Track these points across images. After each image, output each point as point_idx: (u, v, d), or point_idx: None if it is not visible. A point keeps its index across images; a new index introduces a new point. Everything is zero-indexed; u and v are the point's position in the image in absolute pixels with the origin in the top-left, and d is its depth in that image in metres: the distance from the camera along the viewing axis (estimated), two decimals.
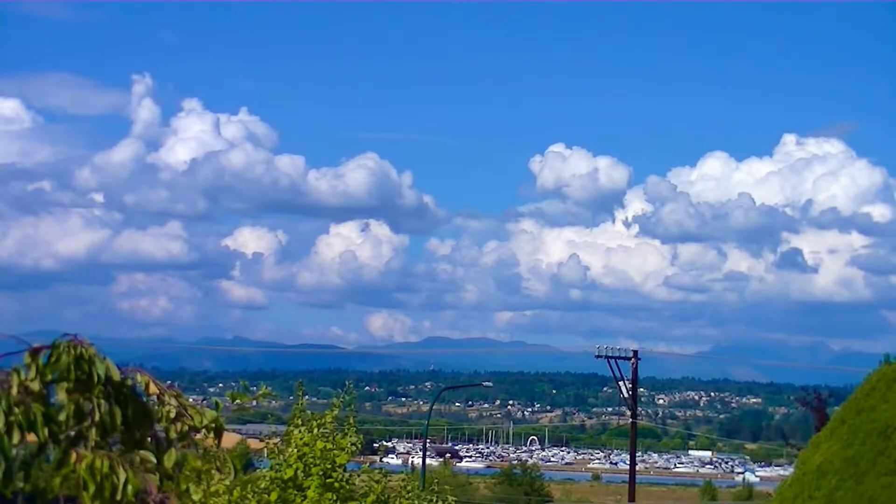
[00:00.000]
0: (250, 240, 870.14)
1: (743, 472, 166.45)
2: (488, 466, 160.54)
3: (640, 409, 65.31)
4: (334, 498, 14.02)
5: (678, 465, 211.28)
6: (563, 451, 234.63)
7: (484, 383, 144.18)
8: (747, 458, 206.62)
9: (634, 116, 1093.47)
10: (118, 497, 5.21)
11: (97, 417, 5.38)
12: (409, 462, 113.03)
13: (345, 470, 14.51)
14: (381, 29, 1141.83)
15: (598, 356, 57.83)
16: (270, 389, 7.43)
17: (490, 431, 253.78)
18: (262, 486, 14.03)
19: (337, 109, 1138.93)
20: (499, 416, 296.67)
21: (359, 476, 14.97)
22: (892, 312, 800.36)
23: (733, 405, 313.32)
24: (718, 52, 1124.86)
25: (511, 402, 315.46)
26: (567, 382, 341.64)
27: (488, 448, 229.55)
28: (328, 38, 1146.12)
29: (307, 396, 15.51)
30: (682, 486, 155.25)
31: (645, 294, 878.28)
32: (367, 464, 15.64)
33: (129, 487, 5.22)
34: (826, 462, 18.93)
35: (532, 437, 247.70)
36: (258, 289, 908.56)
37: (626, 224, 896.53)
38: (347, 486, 14.31)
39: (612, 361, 57.45)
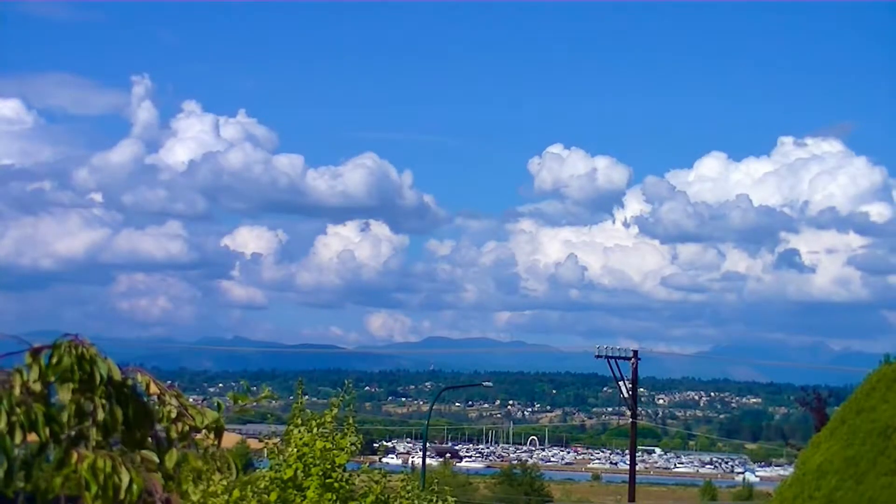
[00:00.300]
0: (250, 240, 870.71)
1: (743, 472, 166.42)
2: (488, 466, 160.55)
3: (640, 409, 65.31)
4: (334, 498, 14.02)
5: (678, 465, 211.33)
6: (563, 451, 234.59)
7: (484, 383, 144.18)
8: (747, 457, 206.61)
9: (634, 117, 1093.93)
10: (121, 497, 5.22)
11: (98, 417, 5.39)
12: (409, 462, 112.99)
13: (344, 470, 14.50)
14: (380, 29, 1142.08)
15: (598, 356, 57.83)
16: (272, 391, 7.43)
17: (490, 431, 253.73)
18: (262, 486, 14.03)
19: (336, 110, 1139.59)
20: (499, 416, 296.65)
21: (358, 476, 14.97)
22: (892, 312, 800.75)
23: (733, 405, 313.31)
24: (716, 52, 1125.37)
25: (511, 402, 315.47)
26: (567, 382, 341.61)
27: (488, 448, 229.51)
28: (328, 39, 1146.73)
29: (307, 396, 15.51)
30: (682, 486, 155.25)
31: (644, 294, 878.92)
32: (367, 464, 15.61)
33: (135, 487, 5.22)
34: (826, 462, 18.93)
35: (532, 437, 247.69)
36: (258, 289, 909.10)
37: (626, 224, 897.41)
38: (347, 486, 14.31)
39: (612, 361, 57.45)
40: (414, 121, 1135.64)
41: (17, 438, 5.13)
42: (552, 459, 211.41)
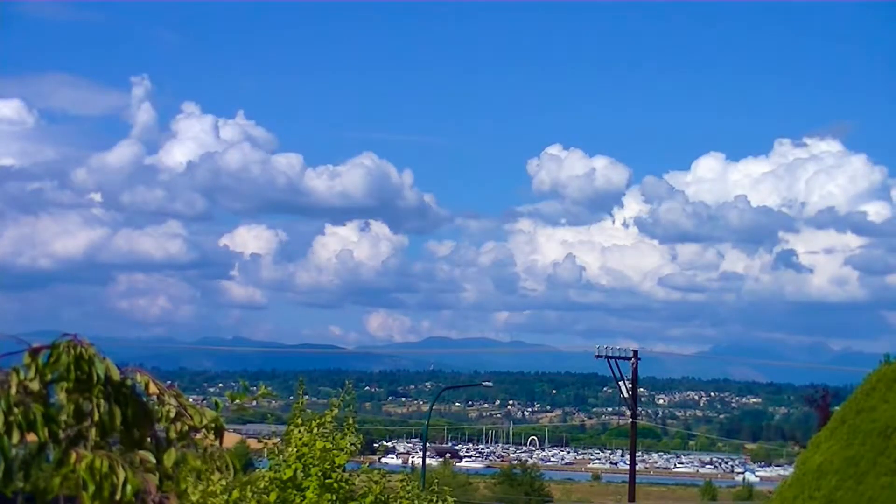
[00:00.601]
0: (250, 240, 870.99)
1: (743, 472, 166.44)
2: (488, 466, 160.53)
3: (640, 409, 65.29)
4: (333, 498, 14.00)
5: (678, 465, 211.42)
6: (563, 451, 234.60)
7: (484, 383, 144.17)
8: (747, 457, 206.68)
9: (633, 117, 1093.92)
10: (117, 497, 5.21)
11: (97, 417, 5.38)
12: (409, 462, 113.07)
13: (344, 470, 14.48)
14: (379, 30, 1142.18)
15: (598, 356, 57.81)
16: (270, 389, 7.43)
17: (490, 431, 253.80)
18: (262, 486, 14.01)
19: (335, 111, 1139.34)
20: (499, 416, 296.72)
21: (358, 476, 14.95)
22: (892, 312, 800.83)
23: (733, 405, 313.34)
24: (715, 52, 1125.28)
25: (511, 402, 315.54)
26: (567, 382, 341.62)
27: (488, 448, 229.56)
28: (327, 40, 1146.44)
29: (307, 396, 15.49)
30: (682, 486, 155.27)
31: (644, 294, 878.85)
32: (367, 464, 15.59)
33: (129, 487, 5.22)
34: (826, 462, 18.92)
35: (532, 437, 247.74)
36: (258, 289, 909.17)
37: (625, 224, 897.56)
38: (347, 487, 14.29)
39: (612, 361, 57.43)
40: (413, 122, 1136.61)
41: (16, 438, 5.12)
42: (552, 459, 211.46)
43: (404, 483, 16.00)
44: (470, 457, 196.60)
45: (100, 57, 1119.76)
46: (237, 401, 6.35)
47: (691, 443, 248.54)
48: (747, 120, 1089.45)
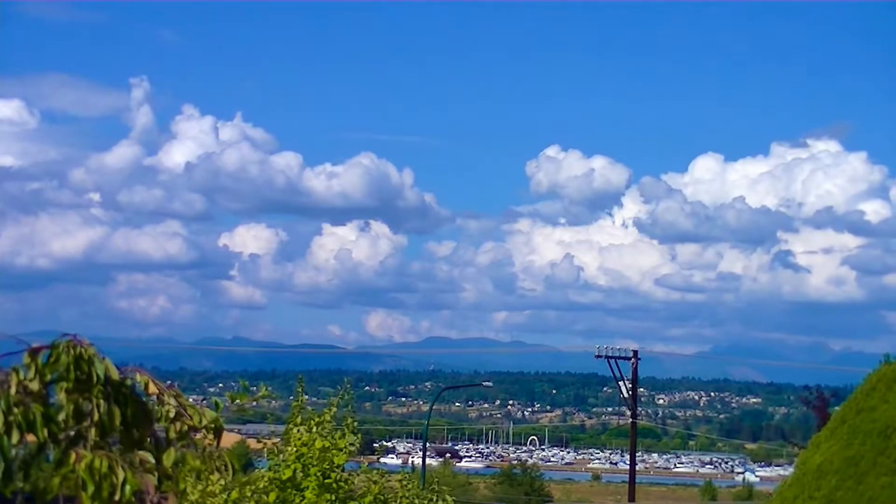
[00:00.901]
0: (249, 240, 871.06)
1: (743, 472, 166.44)
2: (488, 466, 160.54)
3: (640, 409, 65.30)
4: (333, 498, 13.99)
5: (678, 465, 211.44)
6: (563, 451, 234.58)
7: (484, 383, 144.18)
8: (747, 457, 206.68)
9: (631, 118, 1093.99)
10: (117, 497, 5.21)
11: (96, 417, 5.38)
12: (410, 462, 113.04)
13: (343, 470, 14.46)
14: (378, 31, 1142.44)
15: (598, 356, 57.82)
16: (270, 390, 7.43)
17: (490, 431, 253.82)
18: (261, 486, 14.00)
19: (334, 112, 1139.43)
20: (499, 416, 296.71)
21: (357, 476, 14.93)
22: (891, 312, 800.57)
23: (733, 405, 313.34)
24: (714, 52, 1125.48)
25: (511, 402, 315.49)
26: (567, 382, 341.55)
27: (488, 448, 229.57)
28: (326, 41, 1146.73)
29: (307, 396, 15.47)
30: (682, 486, 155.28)
31: (643, 294, 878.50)
32: (366, 464, 15.55)
33: (128, 487, 5.22)
34: (826, 462, 18.92)
35: (532, 437, 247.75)
36: (257, 289, 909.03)
37: (624, 225, 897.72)
38: (346, 487, 14.28)
39: (612, 361, 57.44)
40: (412, 122, 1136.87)
41: (15, 438, 5.13)
42: (552, 459, 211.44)
43: (403, 483, 15.98)
44: (470, 457, 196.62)
45: (100, 57, 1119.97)
46: (237, 401, 6.35)
47: (691, 443, 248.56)
48: (746, 120, 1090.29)
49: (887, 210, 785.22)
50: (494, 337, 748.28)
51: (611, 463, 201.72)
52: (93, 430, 5.37)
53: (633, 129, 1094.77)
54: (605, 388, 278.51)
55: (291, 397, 15.33)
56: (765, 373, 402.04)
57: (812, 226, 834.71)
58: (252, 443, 17.25)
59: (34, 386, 5.30)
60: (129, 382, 5.59)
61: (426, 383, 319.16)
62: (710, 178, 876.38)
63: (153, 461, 5.53)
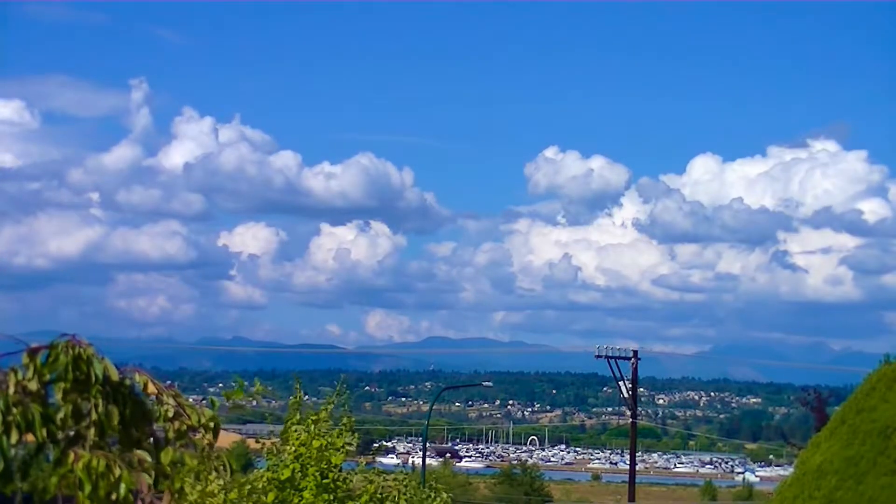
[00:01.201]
0: (249, 240, 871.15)
1: (743, 472, 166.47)
2: (488, 466, 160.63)
3: (640, 409, 65.30)
4: (331, 498, 13.99)
5: (678, 465, 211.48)
6: (563, 451, 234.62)
7: (484, 383, 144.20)
8: (747, 457, 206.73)
9: (631, 118, 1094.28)
10: (113, 496, 5.22)
11: (95, 417, 5.38)
12: (410, 462, 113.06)
13: (341, 470, 14.46)
14: (377, 32, 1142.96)
15: (598, 356, 57.84)
16: (267, 387, 7.43)
17: (490, 431, 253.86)
18: (259, 486, 13.99)
19: (335, 112, 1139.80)
20: (499, 416, 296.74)
21: (355, 475, 14.93)
22: (891, 312, 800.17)
23: (733, 405, 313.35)
24: (713, 52, 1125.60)
25: (511, 402, 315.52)
26: (567, 382, 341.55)
27: (488, 448, 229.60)
28: (325, 42, 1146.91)
29: (307, 396, 15.47)
30: (682, 486, 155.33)
31: (643, 294, 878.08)
32: (364, 463, 15.54)
33: (122, 485, 5.22)
34: (826, 462, 18.92)
35: (532, 437, 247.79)
36: (257, 289, 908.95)
37: (623, 225, 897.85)
38: (344, 486, 14.28)
39: (612, 361, 57.45)
40: (412, 123, 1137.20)
41: (14, 438, 5.13)
42: (552, 459, 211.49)
43: (398, 482, 15.95)
44: (470, 457, 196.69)
45: (100, 58, 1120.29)
46: (233, 399, 6.36)
47: (691, 443, 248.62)
48: (745, 120, 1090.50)
49: (886, 210, 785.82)
50: (494, 337, 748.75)
51: (611, 463, 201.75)
52: (91, 430, 5.37)
53: (631, 130, 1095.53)
54: (605, 388, 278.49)
55: (291, 397, 15.33)
56: (764, 373, 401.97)
57: (811, 225, 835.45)
58: (251, 443, 17.26)
59: (33, 386, 5.30)
60: (128, 382, 5.59)
61: (426, 383, 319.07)
62: (709, 179, 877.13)
63: (151, 460, 5.53)
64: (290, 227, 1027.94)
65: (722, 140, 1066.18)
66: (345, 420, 14.99)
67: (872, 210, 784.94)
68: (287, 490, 13.95)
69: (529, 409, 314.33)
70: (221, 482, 11.74)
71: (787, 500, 19.45)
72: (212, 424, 5.85)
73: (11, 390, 5.24)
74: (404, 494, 15.39)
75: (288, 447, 14.31)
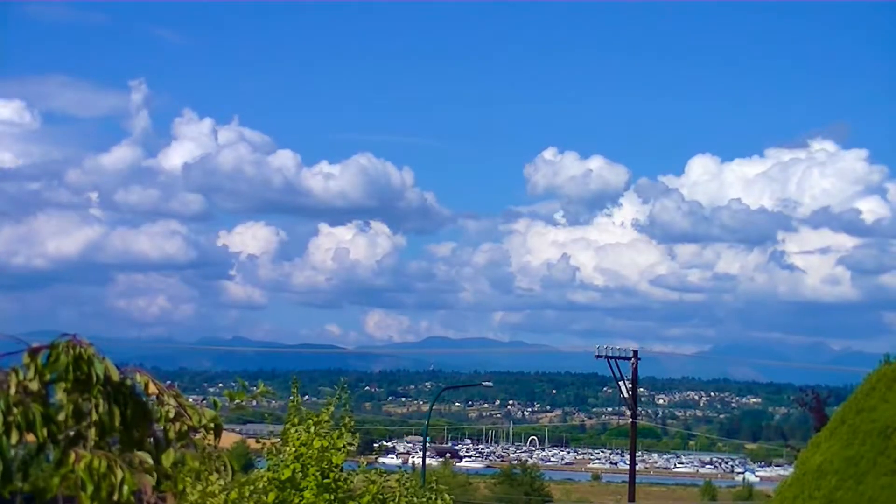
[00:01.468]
0: (248, 240, 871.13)
1: (743, 472, 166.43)
2: (488, 466, 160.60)
3: (639, 409, 65.29)
4: (332, 498, 13.99)
5: (678, 465, 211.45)
6: (563, 451, 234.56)
7: (484, 383, 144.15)
8: (747, 457, 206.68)
9: (630, 118, 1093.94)
10: (115, 497, 5.21)
11: (95, 417, 5.38)
12: (410, 462, 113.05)
13: (341, 470, 14.46)
14: (376, 33, 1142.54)
15: (598, 356, 57.84)
16: (269, 388, 7.43)
17: (490, 431, 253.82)
18: (260, 486, 13.99)
19: (335, 113, 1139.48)
20: (499, 416, 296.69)
21: (356, 475, 14.92)
22: (891, 312, 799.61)
23: (733, 405, 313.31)
24: (710, 53, 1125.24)
25: (511, 402, 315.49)
26: (567, 382, 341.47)
27: (488, 448, 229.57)
28: (324, 42, 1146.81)
29: (307, 396, 15.48)
30: (682, 486, 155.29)
31: (642, 294, 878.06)
32: (365, 464, 15.54)
33: (126, 487, 5.22)
34: (826, 462, 18.92)
35: (532, 437, 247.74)
36: (257, 289, 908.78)
37: (623, 225, 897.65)
38: (345, 486, 14.28)
39: (612, 361, 57.45)
40: (411, 124, 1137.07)
41: (15, 439, 5.12)
42: (552, 459, 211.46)
43: (400, 483, 15.95)
44: (470, 457, 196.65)
45: (100, 59, 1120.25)
46: (236, 400, 6.35)
47: (691, 443, 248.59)
48: (744, 120, 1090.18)
49: (885, 210, 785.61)
50: (494, 337, 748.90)
51: (611, 463, 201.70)
52: (92, 431, 5.37)
53: (630, 130, 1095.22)
54: (605, 388, 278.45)
55: (291, 397, 15.32)
56: (764, 373, 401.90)
57: (811, 225, 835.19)
58: (252, 443, 17.26)
59: (34, 386, 5.30)
60: (128, 382, 5.59)
61: (426, 383, 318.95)
62: (708, 179, 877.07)
63: (152, 461, 5.53)
64: (290, 227, 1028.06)
65: (721, 140, 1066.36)
66: (346, 420, 14.99)
67: (871, 210, 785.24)
68: (288, 490, 13.95)
69: (529, 409, 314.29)
70: (222, 482, 11.74)
71: (787, 500, 19.45)
72: (213, 425, 5.85)
73: (12, 390, 5.24)
74: (405, 497, 15.39)
75: (288, 447, 14.31)
